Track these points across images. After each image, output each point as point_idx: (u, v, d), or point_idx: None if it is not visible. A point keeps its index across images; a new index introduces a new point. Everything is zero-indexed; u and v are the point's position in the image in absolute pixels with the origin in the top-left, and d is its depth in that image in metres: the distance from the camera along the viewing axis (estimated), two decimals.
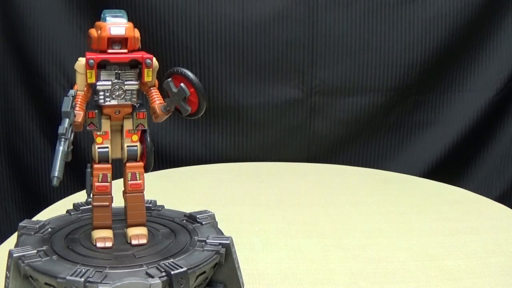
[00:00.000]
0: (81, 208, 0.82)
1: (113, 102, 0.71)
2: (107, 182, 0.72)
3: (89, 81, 0.69)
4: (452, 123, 1.61)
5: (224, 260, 0.70)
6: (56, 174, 0.62)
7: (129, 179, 0.72)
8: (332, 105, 1.56)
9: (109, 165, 0.72)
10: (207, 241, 0.71)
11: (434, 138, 1.62)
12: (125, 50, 0.69)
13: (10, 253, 0.67)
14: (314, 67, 1.54)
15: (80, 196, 0.94)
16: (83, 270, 0.63)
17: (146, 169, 0.74)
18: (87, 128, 0.71)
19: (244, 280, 0.73)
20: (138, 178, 0.73)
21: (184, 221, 0.79)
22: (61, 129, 0.64)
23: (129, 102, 0.71)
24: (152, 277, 0.63)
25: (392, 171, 1.41)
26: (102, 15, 0.70)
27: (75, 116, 0.67)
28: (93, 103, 0.71)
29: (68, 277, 0.61)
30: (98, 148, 0.71)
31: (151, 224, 0.77)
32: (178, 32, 1.48)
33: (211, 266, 0.68)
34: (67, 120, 0.65)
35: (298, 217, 1.05)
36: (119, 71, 0.70)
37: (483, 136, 1.64)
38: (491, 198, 1.19)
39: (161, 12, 1.47)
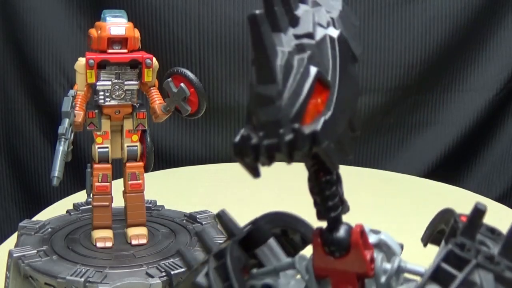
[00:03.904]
0: (81, 208, 0.82)
1: (113, 102, 0.71)
2: (107, 182, 0.72)
3: (89, 81, 0.69)
4: (452, 123, 1.61)
5: None
6: (56, 174, 0.62)
7: (129, 179, 0.73)
8: None
9: (109, 165, 0.72)
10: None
11: (434, 138, 1.62)
12: (125, 50, 0.69)
13: (10, 253, 0.67)
14: None
15: (80, 196, 0.94)
16: (83, 270, 0.63)
17: (146, 169, 0.74)
18: (87, 128, 0.71)
19: None
20: (138, 178, 0.73)
21: (184, 221, 0.79)
22: (61, 129, 0.64)
23: (129, 102, 0.71)
24: (152, 277, 0.63)
25: (392, 171, 1.41)
26: (102, 15, 0.71)
27: (75, 116, 0.67)
28: (93, 103, 0.71)
29: (68, 277, 0.61)
30: (98, 148, 0.72)
31: (151, 224, 0.77)
32: (178, 32, 1.48)
33: None
34: (67, 120, 0.65)
35: None
36: (119, 71, 0.70)
37: (483, 136, 1.64)
38: (491, 198, 1.19)
39: (161, 12, 1.47)
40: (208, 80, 1.51)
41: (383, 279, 0.40)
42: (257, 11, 0.32)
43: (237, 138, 0.34)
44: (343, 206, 0.40)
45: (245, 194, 1.18)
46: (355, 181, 1.34)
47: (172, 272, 0.63)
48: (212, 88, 1.52)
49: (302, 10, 0.35)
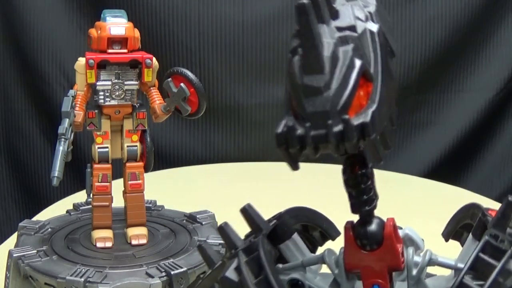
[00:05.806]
0: (81, 208, 0.82)
1: (113, 102, 0.71)
2: (107, 182, 0.72)
3: (89, 81, 0.69)
4: (452, 123, 1.61)
5: None
6: (56, 174, 0.62)
7: (129, 179, 0.73)
8: None
9: (109, 165, 0.72)
10: (207, 241, 0.71)
11: (434, 138, 1.62)
12: (125, 50, 0.70)
13: (10, 253, 0.67)
14: None
15: (80, 196, 0.94)
16: (83, 270, 0.63)
17: (146, 169, 0.74)
18: (87, 128, 0.71)
19: None
20: (138, 178, 0.73)
21: (184, 221, 0.79)
22: (61, 129, 0.64)
23: (129, 102, 0.71)
24: (152, 277, 0.63)
25: (392, 171, 1.41)
26: (102, 15, 0.71)
27: (75, 116, 0.67)
28: (93, 103, 0.71)
29: (68, 277, 0.61)
30: (98, 148, 0.72)
31: (151, 224, 0.77)
32: (178, 32, 1.48)
33: None
34: (67, 120, 0.65)
35: None
36: (119, 71, 0.70)
37: (483, 136, 1.64)
38: (491, 198, 1.18)
39: (161, 12, 1.47)
40: (208, 80, 1.51)
41: (414, 271, 0.40)
42: (305, 0, 0.32)
43: (281, 128, 0.33)
44: (376, 200, 0.40)
45: (245, 194, 1.18)
46: None
47: (172, 272, 0.63)
48: (212, 88, 1.52)
49: (338, 3, 0.35)
